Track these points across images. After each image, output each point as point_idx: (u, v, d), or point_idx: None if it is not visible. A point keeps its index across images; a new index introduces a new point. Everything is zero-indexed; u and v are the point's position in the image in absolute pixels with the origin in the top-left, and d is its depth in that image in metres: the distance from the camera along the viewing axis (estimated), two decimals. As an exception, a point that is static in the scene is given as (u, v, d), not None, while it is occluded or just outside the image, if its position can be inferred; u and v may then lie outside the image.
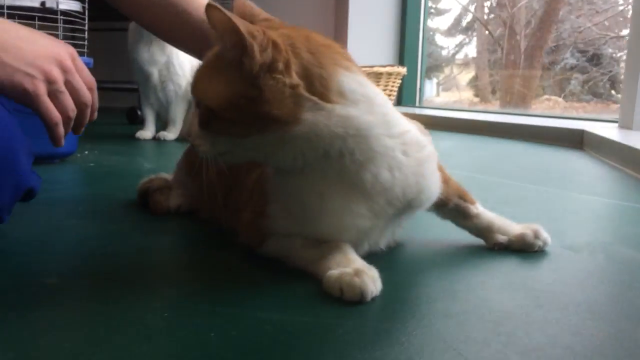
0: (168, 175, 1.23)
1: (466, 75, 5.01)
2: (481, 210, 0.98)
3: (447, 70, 5.13)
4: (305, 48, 0.74)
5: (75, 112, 0.95)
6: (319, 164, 0.77)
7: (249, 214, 0.89)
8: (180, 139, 2.38)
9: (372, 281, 0.72)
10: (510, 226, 0.97)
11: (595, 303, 0.74)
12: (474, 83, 4.92)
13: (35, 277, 0.78)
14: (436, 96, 4.83)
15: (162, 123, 2.46)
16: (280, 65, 0.71)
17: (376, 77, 3.00)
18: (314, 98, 0.73)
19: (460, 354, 0.59)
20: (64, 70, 0.93)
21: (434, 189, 0.86)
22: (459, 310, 0.70)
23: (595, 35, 3.90)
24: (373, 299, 0.72)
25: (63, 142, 0.96)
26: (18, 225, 0.98)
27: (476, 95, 4.86)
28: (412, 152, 0.81)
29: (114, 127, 3.01)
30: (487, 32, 4.68)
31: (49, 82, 0.91)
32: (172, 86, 2.33)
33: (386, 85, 3.07)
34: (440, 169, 0.96)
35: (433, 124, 3.07)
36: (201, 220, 1.09)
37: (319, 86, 0.73)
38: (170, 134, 2.39)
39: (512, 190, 1.48)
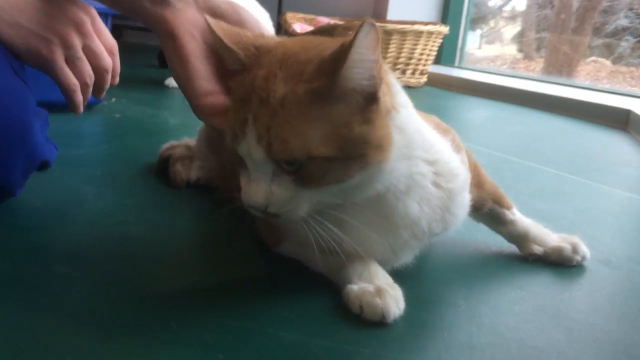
0: (192, 141, 1.19)
1: (512, 30, 4.79)
2: (518, 216, 0.92)
3: (492, 23, 4.91)
4: None
5: (93, 78, 0.91)
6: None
7: None
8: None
9: (394, 302, 0.68)
10: (548, 236, 0.90)
11: (631, 340, 0.68)
12: (519, 39, 4.71)
13: (44, 261, 0.75)
14: (478, 48, 4.64)
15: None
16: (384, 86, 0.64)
17: (415, 35, 2.87)
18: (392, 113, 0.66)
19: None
20: (83, 34, 0.88)
21: (460, 220, 0.80)
22: (484, 342, 0.65)
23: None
24: (394, 320, 0.67)
25: (82, 108, 0.91)
26: (34, 193, 0.95)
27: (520, 50, 4.65)
28: (443, 182, 0.74)
29: (144, 70, 2.95)
30: (539, -15, 4.44)
31: (66, 47, 0.86)
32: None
33: (425, 45, 2.94)
34: (476, 168, 0.90)
35: (471, 90, 2.96)
36: (219, 199, 1.04)
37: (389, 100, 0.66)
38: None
39: (549, 180, 1.40)
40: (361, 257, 0.74)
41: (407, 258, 0.78)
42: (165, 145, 1.18)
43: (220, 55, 0.70)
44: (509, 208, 0.91)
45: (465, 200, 0.79)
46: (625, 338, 0.69)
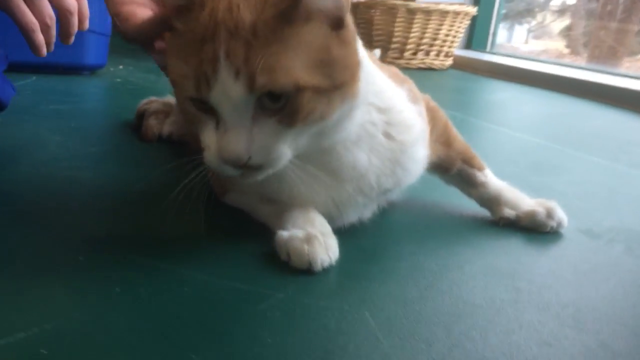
0: (173, 98, 1.16)
1: (560, 24, 4.62)
2: (490, 178, 0.85)
3: (539, 17, 4.75)
4: None
5: (54, 19, 0.88)
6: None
7: None
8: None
9: (324, 250, 0.63)
10: (522, 200, 0.84)
11: (586, 307, 0.62)
12: (566, 33, 4.54)
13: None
14: (524, 43, 4.49)
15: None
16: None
17: (440, 15, 2.78)
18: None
19: (380, 342, 0.50)
20: None
21: (413, 176, 0.75)
22: (416, 295, 0.60)
23: None
24: (325, 269, 0.63)
25: (44, 50, 0.89)
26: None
27: (568, 46, 4.49)
28: (395, 133, 0.69)
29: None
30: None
31: None
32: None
33: (451, 27, 2.85)
34: (446, 127, 0.84)
35: (498, 73, 2.86)
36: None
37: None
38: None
39: (551, 156, 1.32)
40: (302, 205, 0.69)
41: (354, 215, 0.73)
42: (144, 101, 1.16)
43: None
44: (480, 169, 0.85)
45: (419, 154, 0.74)
46: (576, 303, 0.62)
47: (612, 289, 0.67)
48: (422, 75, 2.75)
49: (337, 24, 0.57)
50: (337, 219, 0.71)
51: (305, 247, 0.62)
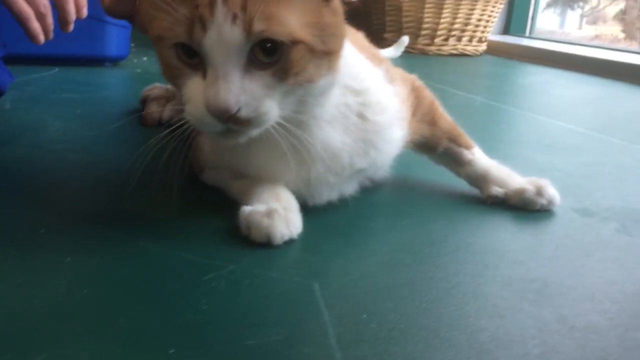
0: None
1: (615, 8, 4.45)
2: (478, 156, 0.83)
3: (594, 1, 4.58)
4: None
5: (48, 7, 0.91)
6: None
7: (194, 140, 0.79)
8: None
9: (284, 224, 0.63)
10: (511, 178, 0.81)
11: (554, 282, 0.59)
12: (621, 17, 4.37)
13: None
14: (578, 29, 4.34)
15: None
16: None
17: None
18: None
19: (321, 313, 0.49)
20: None
21: (388, 156, 0.75)
22: (373, 270, 0.59)
23: None
24: (287, 243, 0.63)
25: (42, 38, 0.92)
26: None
27: (623, 30, 4.31)
28: (369, 114, 0.69)
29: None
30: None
31: None
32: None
33: (483, 11, 2.78)
34: (432, 106, 0.83)
35: (534, 58, 2.78)
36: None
37: None
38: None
39: (565, 137, 1.28)
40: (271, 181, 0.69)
41: (326, 194, 0.72)
42: (148, 87, 1.18)
43: None
44: (467, 147, 0.83)
45: (393, 135, 0.73)
46: (545, 278, 0.60)
47: (591, 266, 0.64)
48: (454, 62, 2.70)
49: None
50: (308, 197, 0.71)
51: (265, 220, 0.62)
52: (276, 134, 0.59)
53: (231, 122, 0.55)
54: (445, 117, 0.84)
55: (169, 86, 1.17)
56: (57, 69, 1.55)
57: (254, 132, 0.58)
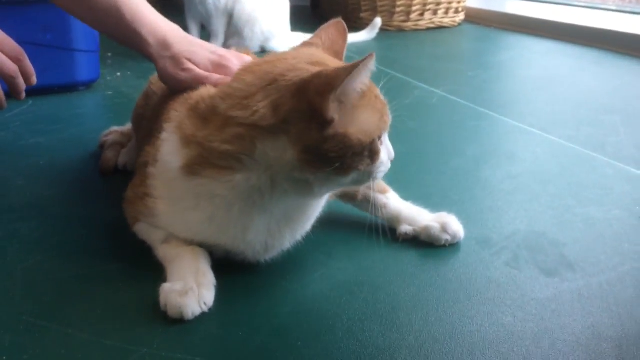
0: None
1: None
2: (391, 200, 0.93)
3: None
4: None
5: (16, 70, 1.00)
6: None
7: (131, 191, 0.86)
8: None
9: (196, 301, 0.71)
10: (420, 216, 0.91)
11: (398, 305, 0.71)
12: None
13: None
14: None
15: (208, 34, 2.45)
16: None
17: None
18: None
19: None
20: None
21: None
22: (257, 345, 0.69)
23: None
24: (199, 317, 0.72)
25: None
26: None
27: None
28: None
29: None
30: None
31: None
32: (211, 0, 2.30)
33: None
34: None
35: (518, 26, 2.78)
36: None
37: None
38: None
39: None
40: (194, 251, 0.79)
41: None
42: (105, 132, 1.26)
43: None
44: (383, 192, 0.92)
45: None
46: (391, 302, 0.74)
47: (441, 295, 0.77)
48: (432, 37, 2.73)
49: None
50: (261, 257, 0.81)
51: (179, 300, 0.71)
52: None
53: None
54: None
55: (126, 129, 1.25)
56: (30, 102, 1.62)
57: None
